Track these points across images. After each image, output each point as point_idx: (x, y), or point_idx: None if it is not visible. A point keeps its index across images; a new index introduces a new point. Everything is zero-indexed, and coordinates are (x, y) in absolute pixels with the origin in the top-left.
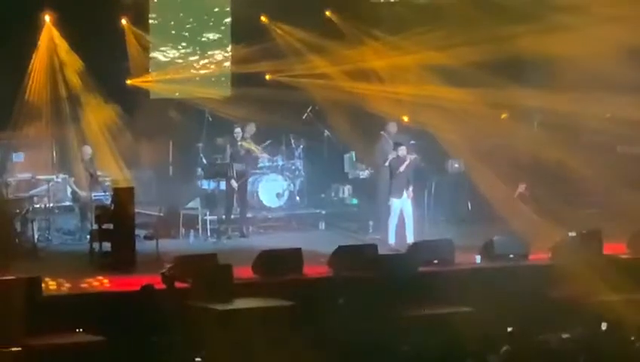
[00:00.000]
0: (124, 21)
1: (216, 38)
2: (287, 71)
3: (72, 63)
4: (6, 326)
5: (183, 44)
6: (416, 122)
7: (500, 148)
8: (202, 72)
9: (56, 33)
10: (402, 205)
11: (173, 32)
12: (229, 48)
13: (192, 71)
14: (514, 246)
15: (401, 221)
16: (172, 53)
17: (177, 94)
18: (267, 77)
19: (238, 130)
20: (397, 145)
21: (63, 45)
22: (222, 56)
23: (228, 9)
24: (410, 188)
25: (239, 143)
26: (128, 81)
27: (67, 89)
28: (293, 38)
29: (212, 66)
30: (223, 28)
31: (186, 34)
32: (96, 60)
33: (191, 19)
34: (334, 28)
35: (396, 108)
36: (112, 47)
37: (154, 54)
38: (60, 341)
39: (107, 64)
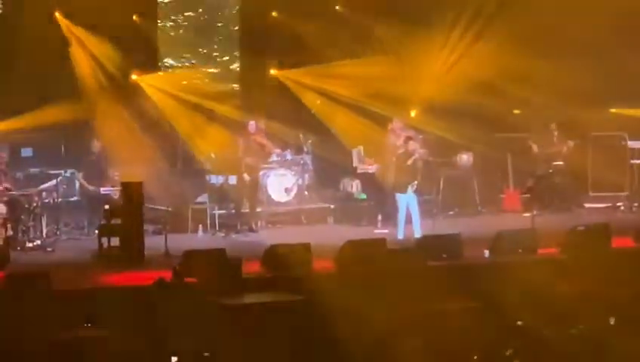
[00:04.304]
0: (134, 17)
1: (225, 33)
2: (295, 66)
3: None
4: (15, 321)
5: (192, 39)
6: (426, 116)
7: (510, 141)
8: (211, 67)
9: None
10: (407, 200)
11: (181, 31)
12: (237, 44)
13: (200, 66)
14: (522, 240)
15: (409, 215)
16: (181, 50)
17: (186, 90)
18: (272, 72)
19: (252, 123)
20: (408, 139)
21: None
22: (231, 50)
23: (237, 5)
24: (415, 183)
25: (253, 137)
26: (134, 77)
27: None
28: (303, 34)
29: (221, 60)
30: (231, 25)
31: (195, 30)
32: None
33: (200, 12)
34: (344, 23)
35: (406, 102)
36: (119, 43)
37: (162, 51)
38: (68, 336)
39: (115, 60)
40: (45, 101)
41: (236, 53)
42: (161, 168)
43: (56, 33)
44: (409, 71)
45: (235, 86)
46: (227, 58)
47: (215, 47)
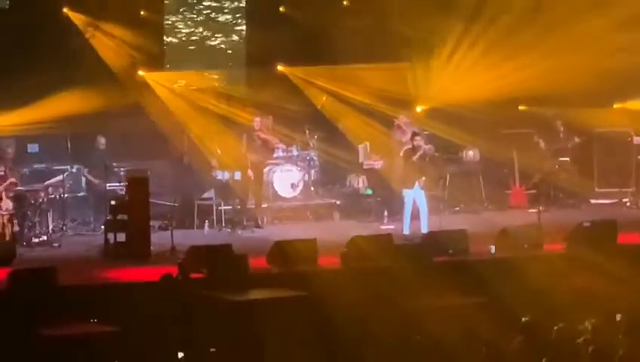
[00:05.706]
0: (142, 12)
1: (230, 25)
2: (302, 59)
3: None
4: (21, 316)
5: (199, 29)
6: (432, 114)
7: (516, 137)
8: (215, 64)
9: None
10: (415, 195)
11: (187, 15)
12: (243, 33)
13: (204, 61)
14: (528, 236)
15: (415, 211)
16: (186, 38)
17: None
18: (279, 68)
19: (257, 119)
20: (415, 135)
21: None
22: (236, 44)
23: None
24: (423, 179)
25: (256, 133)
26: (140, 72)
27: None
28: (310, 27)
29: (227, 55)
30: (238, 15)
31: (201, 19)
32: None
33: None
34: (351, 16)
35: (413, 103)
36: (124, 35)
37: (168, 39)
38: (74, 331)
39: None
40: (52, 94)
41: (242, 47)
42: (167, 164)
43: (62, 27)
44: (420, 72)
45: (241, 79)
46: (235, 41)
47: (222, 47)
